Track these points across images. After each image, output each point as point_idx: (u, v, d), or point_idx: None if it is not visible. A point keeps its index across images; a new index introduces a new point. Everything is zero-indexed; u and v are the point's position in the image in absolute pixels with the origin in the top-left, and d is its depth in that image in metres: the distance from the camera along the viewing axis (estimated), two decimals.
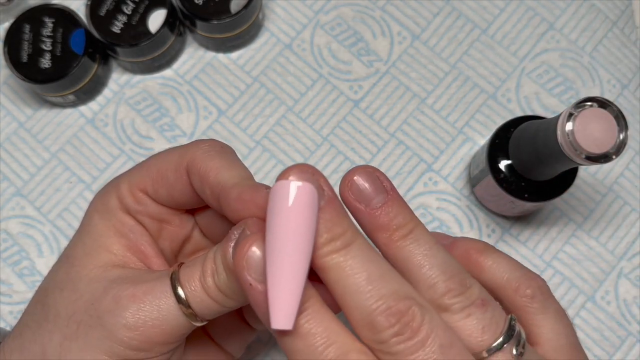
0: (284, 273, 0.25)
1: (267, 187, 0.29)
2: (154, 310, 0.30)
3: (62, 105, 0.50)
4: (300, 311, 0.26)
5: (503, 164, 0.43)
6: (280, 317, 0.25)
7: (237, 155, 0.34)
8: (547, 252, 0.48)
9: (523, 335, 0.29)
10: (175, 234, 0.36)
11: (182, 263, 0.32)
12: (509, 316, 0.29)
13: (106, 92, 0.51)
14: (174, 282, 0.31)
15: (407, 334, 0.26)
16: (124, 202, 0.34)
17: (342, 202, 0.29)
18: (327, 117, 0.50)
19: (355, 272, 0.27)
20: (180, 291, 0.30)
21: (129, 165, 0.49)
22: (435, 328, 0.27)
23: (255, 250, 0.27)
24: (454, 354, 0.26)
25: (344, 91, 0.51)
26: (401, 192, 0.49)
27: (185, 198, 0.33)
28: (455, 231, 0.49)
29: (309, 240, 0.26)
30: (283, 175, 0.27)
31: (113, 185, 0.35)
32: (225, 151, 0.33)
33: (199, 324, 0.31)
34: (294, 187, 0.26)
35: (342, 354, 0.26)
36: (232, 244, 0.29)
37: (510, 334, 0.28)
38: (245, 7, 0.47)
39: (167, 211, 0.35)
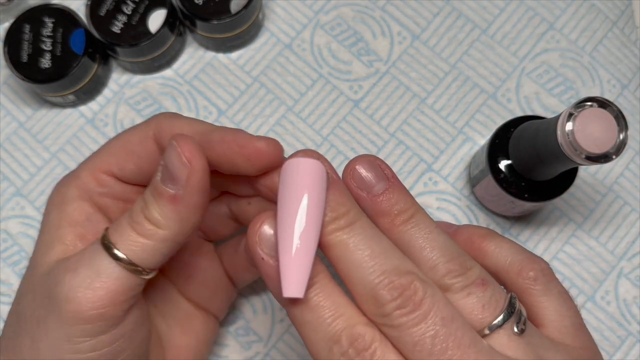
0: (295, 247, 0.26)
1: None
2: (90, 272, 0.30)
3: (62, 105, 0.50)
4: (309, 285, 0.27)
5: (503, 164, 0.43)
6: (292, 286, 0.26)
7: None
8: (547, 252, 0.48)
9: (524, 312, 0.29)
10: None
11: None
12: (509, 294, 0.29)
13: (106, 92, 0.51)
14: (105, 241, 0.30)
15: (409, 307, 0.26)
16: (85, 188, 0.34)
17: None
18: (327, 117, 0.50)
19: (359, 248, 0.27)
20: (115, 250, 0.30)
21: None
22: (437, 302, 0.27)
23: (267, 228, 0.28)
24: (455, 327, 0.27)
25: (344, 91, 0.50)
26: None
27: (155, 168, 0.32)
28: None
29: (319, 214, 0.27)
30: (292, 157, 0.28)
31: (71, 175, 0.35)
32: (178, 114, 0.34)
33: (146, 277, 0.31)
34: (305, 164, 0.27)
35: (349, 326, 0.27)
36: (160, 175, 0.30)
37: (510, 311, 0.29)
38: (245, 7, 0.47)
39: (132, 189, 0.35)
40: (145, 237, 0.30)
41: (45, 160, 0.49)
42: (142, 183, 0.35)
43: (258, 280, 0.45)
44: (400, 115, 0.50)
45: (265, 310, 0.46)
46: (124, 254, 0.30)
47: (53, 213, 0.34)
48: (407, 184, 0.49)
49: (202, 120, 0.33)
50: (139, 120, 0.50)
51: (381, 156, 0.49)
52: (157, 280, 0.37)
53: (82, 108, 0.50)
